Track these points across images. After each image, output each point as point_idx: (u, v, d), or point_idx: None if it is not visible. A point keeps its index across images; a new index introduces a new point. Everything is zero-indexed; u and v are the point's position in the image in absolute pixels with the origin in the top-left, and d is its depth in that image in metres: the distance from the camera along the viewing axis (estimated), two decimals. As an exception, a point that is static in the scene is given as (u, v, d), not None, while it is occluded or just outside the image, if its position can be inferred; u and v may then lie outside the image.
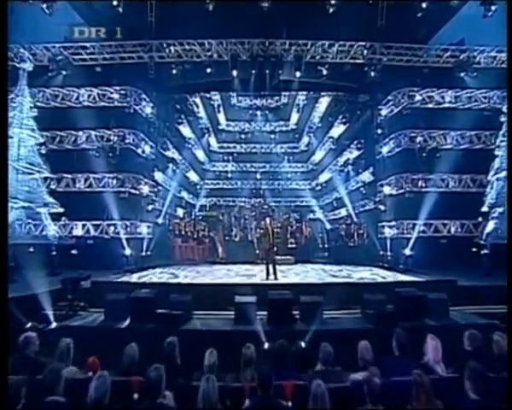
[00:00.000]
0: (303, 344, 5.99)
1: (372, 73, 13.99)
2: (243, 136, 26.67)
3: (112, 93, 13.91)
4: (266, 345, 5.86)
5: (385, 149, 15.24)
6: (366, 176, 18.83)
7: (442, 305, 7.28)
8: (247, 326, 6.54)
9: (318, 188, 26.41)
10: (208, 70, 13.99)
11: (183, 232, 17.86)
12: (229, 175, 27.70)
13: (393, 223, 14.49)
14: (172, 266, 14.09)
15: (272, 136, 26.56)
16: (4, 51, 6.89)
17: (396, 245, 14.20)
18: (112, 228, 13.70)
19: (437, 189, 13.68)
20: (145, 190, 15.05)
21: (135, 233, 14.07)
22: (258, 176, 27.38)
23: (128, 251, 13.34)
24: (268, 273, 10.90)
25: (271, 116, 25.67)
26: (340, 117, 19.25)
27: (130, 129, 13.97)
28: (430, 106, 13.95)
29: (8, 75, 9.52)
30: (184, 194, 24.05)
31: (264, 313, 7.26)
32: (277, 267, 11.06)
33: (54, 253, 12.08)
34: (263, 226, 11.87)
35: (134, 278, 11.02)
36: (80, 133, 13.85)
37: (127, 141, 13.82)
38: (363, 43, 13.79)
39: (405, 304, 7.19)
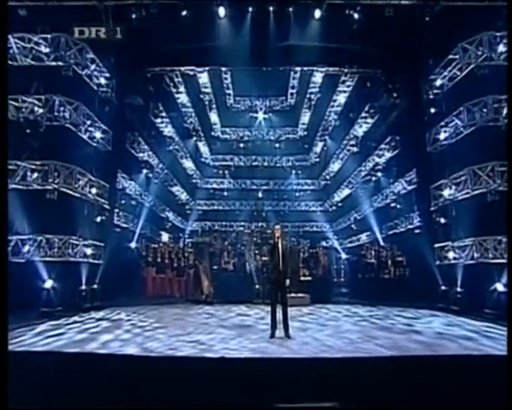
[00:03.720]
0: None
1: (427, 18, 9.51)
2: (242, 145, 22.89)
3: (39, 45, 9.28)
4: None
5: (443, 136, 10.43)
6: (402, 185, 14.12)
7: None
8: None
9: (333, 209, 22.20)
10: (184, 13, 9.46)
11: (158, 260, 13.28)
12: (226, 194, 23.78)
13: (466, 242, 9.41)
14: (131, 307, 10.05)
15: (277, 145, 22.78)
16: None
17: (471, 276, 9.09)
18: (27, 247, 8.69)
19: (541, 186, 8.66)
20: (91, 192, 10.14)
21: (66, 255, 8.99)
22: (260, 195, 23.40)
23: (49, 283, 8.26)
24: (274, 326, 5.83)
25: (276, 121, 21.87)
26: (367, 107, 14.83)
27: (64, 97, 9.18)
28: (520, 61, 9.19)
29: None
30: (169, 214, 19.79)
31: None
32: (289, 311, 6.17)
33: None
34: (270, 242, 7.88)
35: (38, 329, 6.71)
36: (-13, 102, 9.12)
37: (57, 114, 9.00)
38: (413, -28, 9.48)
39: None
